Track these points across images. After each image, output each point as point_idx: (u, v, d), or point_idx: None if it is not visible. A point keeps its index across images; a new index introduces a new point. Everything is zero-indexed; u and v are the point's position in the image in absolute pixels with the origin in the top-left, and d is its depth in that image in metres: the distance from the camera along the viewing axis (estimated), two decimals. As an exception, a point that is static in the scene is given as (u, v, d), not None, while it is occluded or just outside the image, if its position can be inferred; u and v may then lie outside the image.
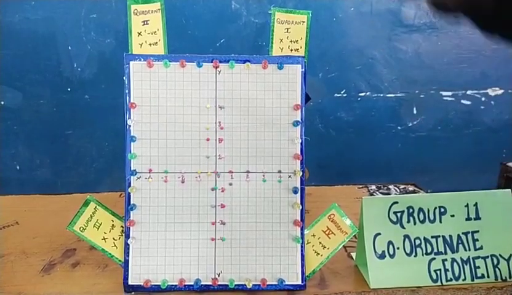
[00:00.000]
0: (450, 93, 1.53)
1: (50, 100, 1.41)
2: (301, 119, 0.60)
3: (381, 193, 0.95)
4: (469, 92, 1.54)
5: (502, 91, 1.55)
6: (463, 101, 1.54)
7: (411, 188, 0.98)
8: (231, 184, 0.59)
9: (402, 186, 0.99)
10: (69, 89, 1.41)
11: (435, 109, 1.53)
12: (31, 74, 1.39)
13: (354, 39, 1.44)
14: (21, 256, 0.69)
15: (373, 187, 0.98)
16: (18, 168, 1.47)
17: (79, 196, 0.95)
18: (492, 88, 1.54)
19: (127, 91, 0.59)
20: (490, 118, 1.56)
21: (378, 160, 1.57)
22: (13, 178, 1.47)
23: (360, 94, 1.50)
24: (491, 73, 1.53)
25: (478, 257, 0.62)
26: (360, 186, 1.00)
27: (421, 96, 1.52)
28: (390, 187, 0.98)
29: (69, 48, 1.37)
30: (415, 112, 1.54)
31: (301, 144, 0.60)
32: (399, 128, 1.55)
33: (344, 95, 1.50)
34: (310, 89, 1.37)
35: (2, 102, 1.41)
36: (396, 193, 0.95)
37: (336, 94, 1.50)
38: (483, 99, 1.55)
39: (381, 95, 1.51)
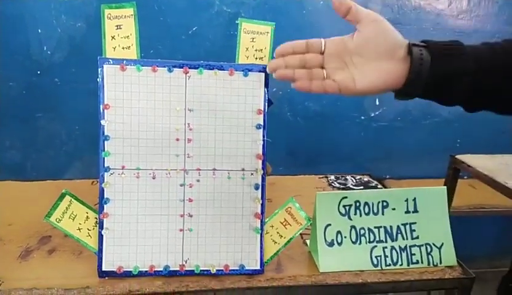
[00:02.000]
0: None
1: (19, 83, 1.40)
2: (264, 122, 0.66)
3: (338, 183, 1.04)
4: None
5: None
6: (422, 94, 1.64)
7: (366, 178, 1.07)
8: (198, 181, 0.65)
9: (358, 176, 1.08)
10: (38, 72, 1.40)
11: (395, 101, 1.62)
12: (0, 56, 1.37)
13: (323, 31, 1.49)
14: (-2, 243, 0.73)
15: (332, 177, 1.07)
16: (-14, 149, 1.47)
17: (52, 183, 0.99)
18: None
19: (100, 93, 0.63)
20: (446, 111, 1.68)
21: (342, 147, 1.67)
22: (-18, 160, 1.47)
23: (327, 85, 1.57)
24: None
25: (414, 246, 0.72)
26: (321, 176, 1.08)
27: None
28: (347, 177, 1.07)
29: (39, 31, 1.36)
30: (377, 103, 1.63)
31: (263, 145, 0.66)
32: (362, 117, 1.64)
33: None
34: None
35: (-32, 83, 1.39)
36: (352, 183, 1.04)
37: (304, 84, 1.56)
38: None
39: (347, 86, 1.59)
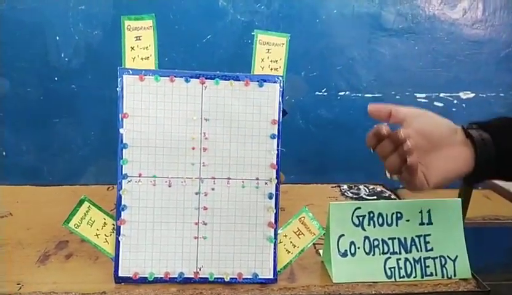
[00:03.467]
0: (424, 95, 1.62)
1: (37, 88, 1.44)
2: (278, 132, 0.67)
3: (351, 192, 1.04)
4: (442, 95, 1.63)
5: (473, 94, 1.65)
6: (436, 103, 1.64)
7: (379, 188, 1.07)
8: (213, 189, 0.67)
9: (371, 186, 1.08)
10: (56, 78, 1.43)
11: (409, 110, 1.62)
12: (18, 63, 1.40)
13: (336, 40, 1.51)
14: (17, 247, 0.75)
15: (345, 186, 1.07)
16: (4, 153, 1.51)
17: (69, 188, 1.01)
18: (464, 91, 1.64)
19: (119, 102, 0.65)
20: (461, 120, 1.66)
21: (354, 155, 1.65)
22: (-1, 164, 1.51)
23: (340, 93, 1.58)
24: (463, 77, 1.62)
25: (428, 258, 0.71)
26: (334, 185, 1.09)
27: (397, 97, 1.61)
28: (360, 187, 1.07)
29: (57, 38, 1.39)
30: (390, 111, 1.63)
31: (277, 155, 0.67)
32: (376, 126, 1.64)
33: (325, 93, 1.57)
34: (293, 87, 1.44)
35: (-12, 89, 1.43)
36: (365, 193, 1.04)
37: (317, 93, 1.57)
38: (455, 101, 1.65)
39: (360, 95, 1.59)
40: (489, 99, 1.66)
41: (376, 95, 1.60)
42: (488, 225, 1.44)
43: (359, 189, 1.05)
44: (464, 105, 1.65)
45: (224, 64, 1.46)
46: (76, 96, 1.46)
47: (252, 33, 0.68)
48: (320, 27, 1.49)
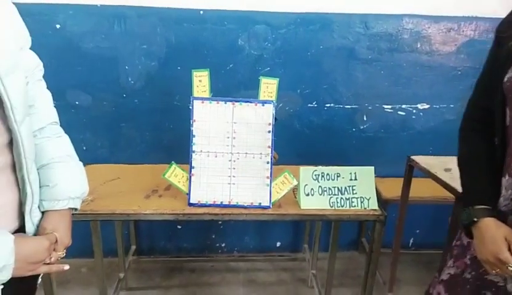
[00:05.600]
0: (389, 106, 2.27)
1: (110, 102, 2.14)
2: (272, 129, 1.34)
3: (323, 170, 1.69)
4: (403, 106, 2.27)
5: (428, 106, 2.29)
6: (399, 112, 2.28)
7: (342, 168, 1.72)
8: (238, 158, 1.34)
9: (337, 167, 1.73)
10: (124, 95, 2.13)
11: (379, 117, 2.27)
12: (98, 84, 2.11)
13: (322, 66, 2.17)
14: (128, 193, 1.43)
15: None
16: (84, 148, 2.20)
17: (140, 166, 1.69)
18: (421, 103, 2.28)
19: (191, 113, 1.32)
20: (419, 125, 2.31)
21: (338, 151, 2.31)
22: (80, 157, 2.21)
23: (327, 105, 2.24)
24: (420, 92, 2.26)
25: (354, 197, 1.37)
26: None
27: (369, 108, 2.26)
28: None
29: (126, 67, 2.09)
30: (365, 118, 2.28)
31: (271, 141, 1.34)
32: (354, 129, 2.29)
33: (315, 105, 2.23)
34: (291, 101, 2.14)
35: (77, 102, 2.13)
36: (333, 171, 1.69)
37: (309, 105, 2.23)
38: (414, 111, 2.29)
39: (341, 106, 2.25)
40: (441, 110, 2.30)
41: (353, 106, 2.25)
42: (429, 203, 2.08)
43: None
44: (421, 114, 2.29)
45: (241, 85, 2.13)
46: (137, 108, 2.15)
47: (259, 77, 1.35)
48: (310, 58, 2.15)
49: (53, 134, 0.96)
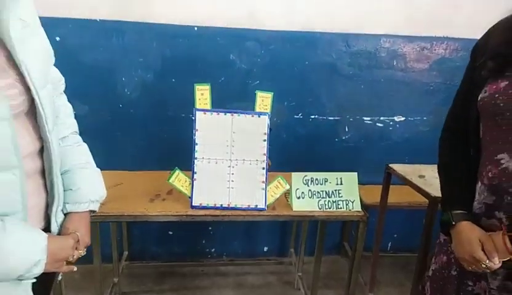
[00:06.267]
0: (369, 118, 2.46)
1: (107, 111, 2.25)
2: (267, 137, 1.49)
3: (311, 176, 1.85)
4: (381, 118, 2.48)
5: (404, 118, 2.50)
6: (378, 124, 2.48)
7: (327, 174, 1.89)
8: (236, 164, 1.48)
9: (323, 173, 1.90)
10: (120, 105, 2.25)
11: (359, 128, 2.47)
12: (95, 94, 2.22)
13: (307, 81, 2.35)
14: (133, 197, 1.55)
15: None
16: (79, 156, 2.30)
17: (148, 172, 1.82)
18: (397, 116, 2.49)
19: (194, 123, 1.47)
20: (396, 136, 2.51)
21: (321, 159, 2.48)
22: (75, 163, 2.30)
23: (311, 117, 2.42)
24: (396, 106, 2.47)
25: (340, 200, 1.54)
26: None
27: (351, 119, 2.45)
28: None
29: (123, 79, 2.21)
30: (346, 129, 2.47)
31: (266, 149, 1.49)
32: (336, 139, 2.47)
33: (301, 117, 2.41)
34: (279, 112, 2.31)
35: (75, 112, 2.23)
36: (319, 177, 1.86)
37: (295, 116, 2.40)
38: (391, 123, 2.49)
39: (325, 118, 2.43)
40: (416, 122, 2.52)
41: (336, 118, 2.44)
42: (405, 208, 2.28)
43: (316, 175, 1.87)
44: (397, 126, 2.50)
45: (232, 97, 2.28)
46: (133, 117, 2.27)
47: (255, 92, 1.50)
48: (296, 72, 2.33)
49: (74, 142, 1.08)
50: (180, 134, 2.13)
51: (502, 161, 0.97)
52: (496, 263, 0.97)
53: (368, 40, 2.33)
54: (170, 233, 2.54)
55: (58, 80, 1.08)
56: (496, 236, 0.97)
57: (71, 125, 1.10)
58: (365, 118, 2.47)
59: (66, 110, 1.11)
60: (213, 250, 2.63)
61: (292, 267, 2.54)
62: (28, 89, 0.85)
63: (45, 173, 0.94)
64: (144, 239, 2.56)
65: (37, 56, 0.89)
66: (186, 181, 1.48)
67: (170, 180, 1.45)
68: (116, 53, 2.17)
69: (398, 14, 2.32)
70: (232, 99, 2.34)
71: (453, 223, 1.05)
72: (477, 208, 1.05)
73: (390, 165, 2.08)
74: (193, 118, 1.47)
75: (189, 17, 2.16)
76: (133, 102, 2.26)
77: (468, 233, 1.01)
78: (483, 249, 0.98)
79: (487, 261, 0.97)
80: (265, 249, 2.68)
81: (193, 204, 1.46)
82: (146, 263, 2.52)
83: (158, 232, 2.53)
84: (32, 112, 0.89)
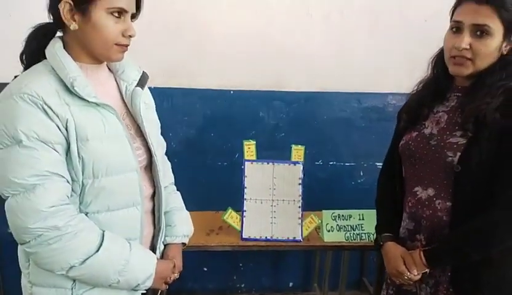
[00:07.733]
0: (380, 164, 2.81)
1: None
2: (301, 182, 1.87)
3: (334, 214, 2.21)
4: (391, 163, 2.85)
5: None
6: (388, 169, 2.85)
7: (349, 213, 2.24)
8: (277, 204, 1.85)
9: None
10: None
11: (372, 172, 2.83)
12: (146, 148, 2.62)
13: (326, 132, 2.75)
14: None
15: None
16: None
17: (199, 212, 2.18)
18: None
19: (243, 166, 1.85)
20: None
21: (339, 198, 2.82)
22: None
23: (330, 163, 2.79)
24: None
25: (363, 233, 1.88)
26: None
27: (365, 165, 2.82)
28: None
29: (170, 134, 2.62)
30: (361, 174, 2.83)
31: (301, 191, 1.86)
32: (352, 183, 2.84)
33: (321, 163, 2.78)
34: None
35: (127, 163, 2.62)
36: (341, 215, 2.21)
37: (316, 163, 2.78)
38: (400, 167, 2.86)
39: (342, 164, 2.81)
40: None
41: (352, 164, 2.82)
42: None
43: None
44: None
45: (263, 147, 2.66)
46: (176, 166, 2.66)
47: (291, 145, 1.90)
48: (316, 125, 2.73)
49: (172, 190, 1.44)
50: (218, 180, 2.52)
51: (417, 193, 1.24)
52: (415, 274, 1.19)
53: (376, 98, 2.75)
54: (205, 269, 2.85)
55: (163, 144, 1.44)
56: (415, 253, 1.20)
57: (170, 177, 1.46)
58: (377, 163, 2.83)
59: (167, 166, 1.47)
60: (243, 285, 2.92)
61: (317, 300, 2.82)
62: (148, 150, 1.24)
63: (154, 211, 1.30)
64: (180, 275, 2.86)
65: (153, 127, 1.29)
66: (236, 218, 1.84)
67: (224, 217, 1.81)
68: (165, 114, 2.57)
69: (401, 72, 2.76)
70: (262, 148, 2.73)
71: (381, 243, 1.33)
72: (402, 233, 1.31)
73: (401, 204, 2.43)
74: (242, 167, 1.86)
75: (226, 83, 2.61)
76: (178, 153, 2.64)
77: (393, 251, 1.27)
78: (405, 264, 1.21)
79: (408, 273, 1.20)
80: (290, 284, 2.96)
81: (243, 236, 1.81)
82: (184, 298, 2.81)
83: (194, 269, 2.84)
84: (149, 166, 1.27)
